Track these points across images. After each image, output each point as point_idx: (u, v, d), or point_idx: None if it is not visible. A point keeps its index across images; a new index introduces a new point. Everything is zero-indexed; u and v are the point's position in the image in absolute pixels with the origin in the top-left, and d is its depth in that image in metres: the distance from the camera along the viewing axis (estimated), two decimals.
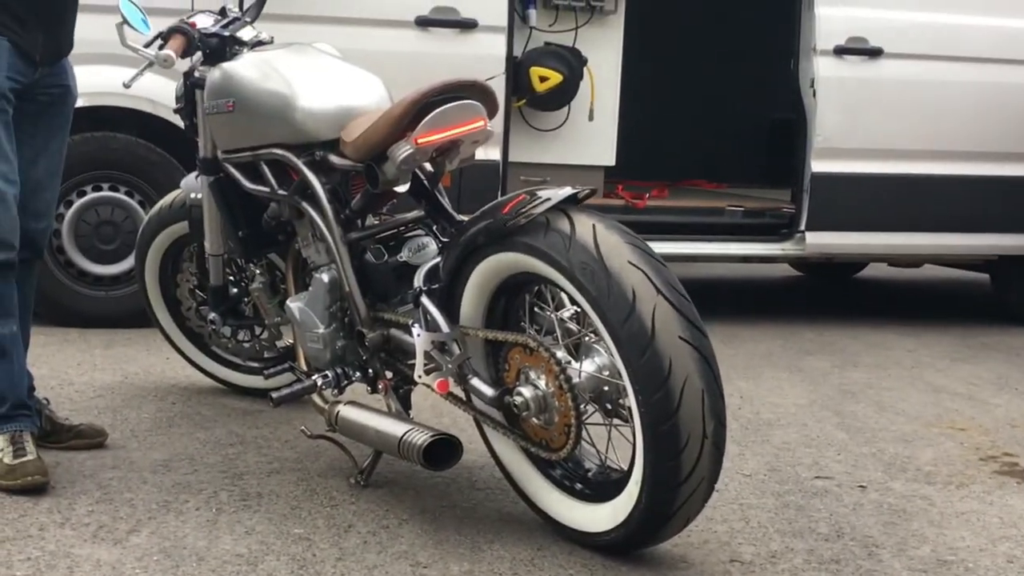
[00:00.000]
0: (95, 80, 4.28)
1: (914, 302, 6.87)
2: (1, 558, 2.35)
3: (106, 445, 3.09)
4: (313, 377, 2.88)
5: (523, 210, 2.41)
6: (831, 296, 6.93)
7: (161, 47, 3.00)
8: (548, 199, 2.40)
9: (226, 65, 3.02)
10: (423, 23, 4.80)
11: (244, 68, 2.98)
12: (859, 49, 5.31)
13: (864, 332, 5.42)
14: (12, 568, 2.31)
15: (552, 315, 2.55)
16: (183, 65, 3.24)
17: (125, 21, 2.97)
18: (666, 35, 6.77)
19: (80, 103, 4.24)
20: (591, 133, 5.28)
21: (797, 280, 7.51)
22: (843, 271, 7.47)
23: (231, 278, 3.46)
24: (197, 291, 3.62)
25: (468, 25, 4.84)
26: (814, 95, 5.28)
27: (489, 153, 4.89)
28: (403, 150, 2.61)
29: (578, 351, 2.52)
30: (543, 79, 5.04)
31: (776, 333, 5.28)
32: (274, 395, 2.85)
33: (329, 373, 2.87)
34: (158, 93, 4.39)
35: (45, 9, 2.80)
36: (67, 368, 3.94)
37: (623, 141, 5.39)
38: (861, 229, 5.45)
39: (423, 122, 2.57)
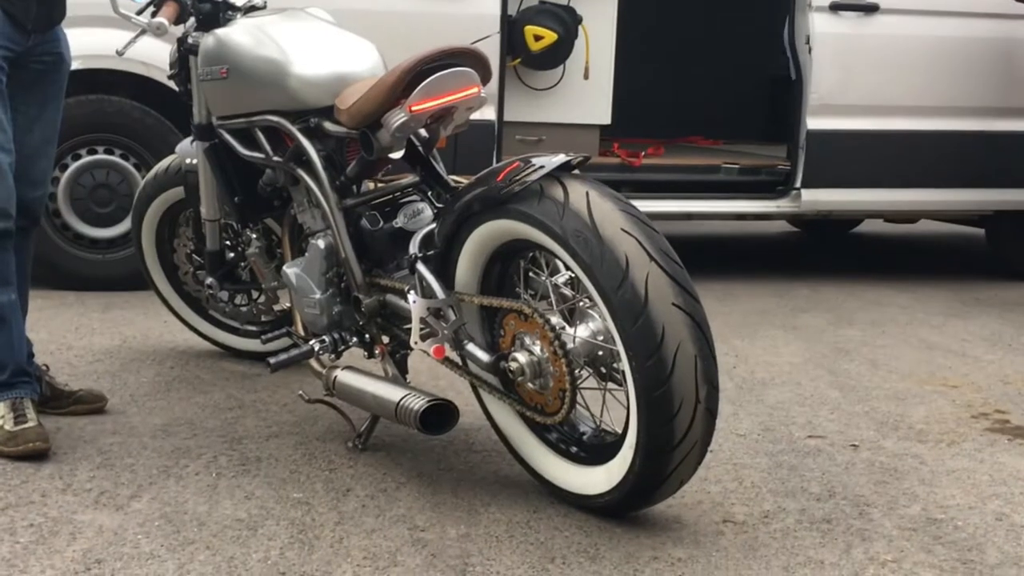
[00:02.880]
0: (89, 43, 4.27)
1: (910, 258, 6.90)
2: (4, 525, 2.39)
3: (106, 410, 3.12)
4: (310, 342, 2.90)
5: (517, 177, 2.42)
6: (826, 252, 6.95)
7: (154, 14, 2.99)
8: (542, 166, 2.41)
9: (219, 32, 3.01)
10: None
11: (238, 34, 2.97)
12: (855, 5, 5.30)
13: (859, 289, 5.45)
14: (16, 535, 2.34)
15: (547, 281, 2.57)
16: (176, 31, 3.23)
17: None
18: None
19: (74, 66, 4.27)
20: (587, 92, 5.27)
21: (793, 237, 7.53)
22: (838, 227, 7.49)
23: (228, 243, 3.47)
24: (194, 256, 3.63)
25: None
26: (810, 52, 5.27)
27: (484, 113, 4.87)
28: (397, 117, 2.61)
29: (572, 316, 2.54)
30: (538, 38, 5.02)
31: (771, 291, 5.31)
32: (271, 360, 2.86)
33: (326, 338, 2.89)
34: (152, 56, 4.39)
35: None
36: (65, 332, 3.97)
37: (619, 99, 5.39)
38: (857, 186, 5.47)
39: (417, 90, 2.58)
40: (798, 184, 5.40)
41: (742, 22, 6.75)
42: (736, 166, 5.58)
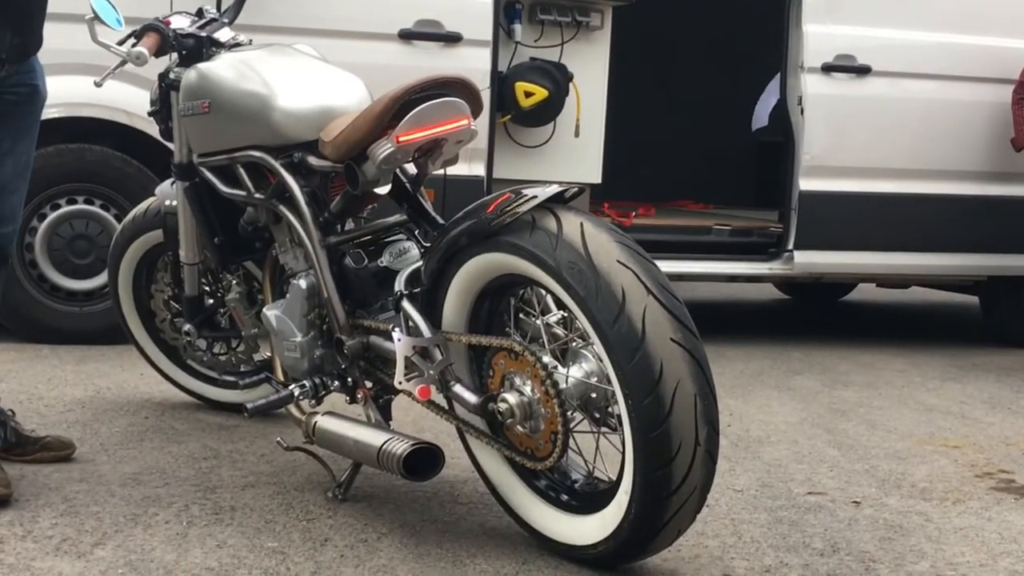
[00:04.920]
0: (71, 90, 4.20)
1: (903, 324, 6.81)
2: None
3: (74, 458, 2.98)
4: (290, 387, 2.77)
5: (508, 208, 2.32)
6: (819, 317, 6.86)
7: (134, 45, 2.91)
8: (534, 197, 2.31)
9: (202, 65, 2.93)
10: (407, 36, 4.73)
11: (220, 68, 2.89)
12: (847, 67, 5.27)
13: (853, 352, 5.35)
14: None
15: (538, 320, 2.46)
16: (157, 67, 3.16)
17: (97, 17, 2.88)
18: (653, 52, 6.72)
19: (55, 114, 4.22)
20: (577, 150, 5.20)
21: (785, 302, 7.44)
22: (830, 294, 7.41)
23: (207, 288, 3.35)
24: (172, 302, 3.50)
25: (452, 39, 4.77)
26: (802, 112, 5.23)
27: (474, 169, 4.81)
28: (384, 148, 2.51)
29: (565, 357, 2.42)
30: (528, 94, 4.95)
31: (764, 353, 5.20)
32: (249, 405, 2.73)
33: (307, 383, 2.76)
34: (134, 104, 4.31)
35: (11, 5, 2.70)
36: (37, 383, 3.82)
37: (609, 161, 5.32)
38: (849, 248, 5.39)
39: (405, 119, 2.48)
40: (790, 246, 5.32)
41: (734, 83, 6.72)
42: (728, 227, 5.51)
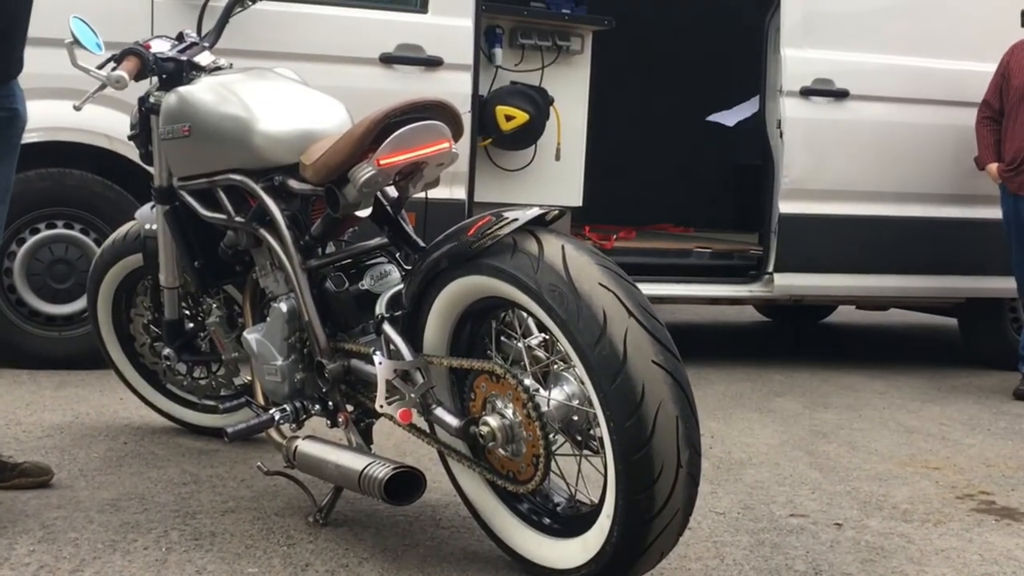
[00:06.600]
0: (51, 114, 4.18)
1: (883, 346, 6.84)
2: None
3: (52, 484, 2.95)
4: (271, 411, 2.76)
5: (489, 231, 2.32)
6: (800, 339, 6.88)
7: (114, 68, 2.90)
8: (515, 219, 2.31)
9: (182, 89, 2.93)
10: (388, 60, 4.74)
11: (201, 91, 2.89)
12: (825, 91, 5.30)
13: (833, 375, 5.37)
14: None
15: (519, 343, 2.45)
16: (137, 91, 3.15)
17: (76, 41, 2.87)
18: (633, 76, 6.75)
19: (36, 138, 4.21)
20: (558, 173, 5.21)
21: (765, 324, 7.46)
22: (810, 317, 7.44)
23: (187, 312, 3.34)
24: (151, 326, 3.49)
25: (433, 63, 4.79)
26: (781, 136, 5.26)
27: (455, 192, 4.82)
28: (365, 172, 2.51)
29: (546, 379, 2.42)
30: (509, 118, 4.97)
31: (745, 375, 5.22)
32: (229, 430, 2.71)
33: (287, 407, 2.75)
34: (114, 128, 4.30)
35: None
36: (15, 408, 3.79)
37: (589, 184, 5.33)
38: (829, 271, 5.41)
39: (385, 143, 2.48)
40: (770, 268, 5.34)
41: (714, 108, 6.75)
42: (708, 250, 5.53)
